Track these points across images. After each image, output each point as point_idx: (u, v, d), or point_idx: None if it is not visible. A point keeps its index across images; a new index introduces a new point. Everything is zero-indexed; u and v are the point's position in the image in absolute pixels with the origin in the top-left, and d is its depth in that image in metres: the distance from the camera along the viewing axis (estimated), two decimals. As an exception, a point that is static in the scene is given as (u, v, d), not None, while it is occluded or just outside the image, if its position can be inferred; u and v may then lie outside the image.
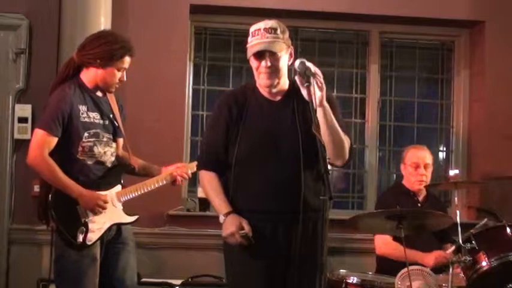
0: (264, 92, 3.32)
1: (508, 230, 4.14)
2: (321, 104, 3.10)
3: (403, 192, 4.87)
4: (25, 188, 5.36)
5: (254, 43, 3.24)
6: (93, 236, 3.64)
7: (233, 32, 5.80)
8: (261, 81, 3.28)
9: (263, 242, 3.20)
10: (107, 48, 3.67)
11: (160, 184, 3.87)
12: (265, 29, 3.23)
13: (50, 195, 3.64)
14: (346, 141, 3.24)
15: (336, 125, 3.18)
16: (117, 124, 3.82)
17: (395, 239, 4.54)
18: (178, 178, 3.88)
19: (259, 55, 3.23)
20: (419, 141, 5.85)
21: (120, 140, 3.87)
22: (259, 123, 3.27)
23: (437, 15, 5.82)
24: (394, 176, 5.97)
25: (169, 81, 5.53)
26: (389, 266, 4.52)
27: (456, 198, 4.39)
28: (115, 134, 3.82)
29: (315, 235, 3.20)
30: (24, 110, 5.39)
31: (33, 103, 5.39)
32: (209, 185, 3.32)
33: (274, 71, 3.24)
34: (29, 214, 5.28)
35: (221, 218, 3.25)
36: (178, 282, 4.85)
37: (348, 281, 4.15)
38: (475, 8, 5.84)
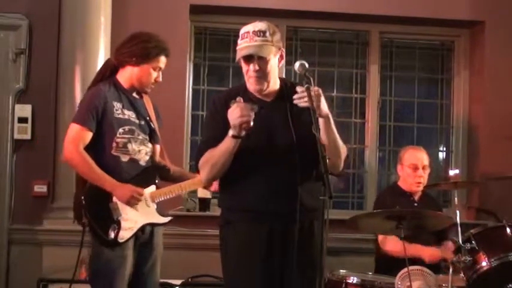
0: (255, 93, 3.30)
1: (508, 230, 4.14)
2: (322, 114, 3.10)
3: (399, 193, 4.87)
4: (25, 188, 5.37)
5: (242, 46, 3.22)
6: (125, 234, 3.64)
7: (233, 32, 5.77)
8: (250, 85, 3.27)
9: (259, 244, 3.18)
10: (142, 46, 3.75)
11: (193, 188, 3.88)
12: (254, 32, 3.20)
13: (83, 193, 3.65)
14: (343, 152, 3.26)
15: (337, 136, 3.17)
16: (153, 127, 3.84)
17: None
18: (213, 184, 3.83)
19: (248, 59, 3.21)
20: (419, 141, 5.86)
21: (158, 147, 3.91)
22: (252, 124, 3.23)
23: (437, 15, 5.82)
24: (394, 176, 5.97)
25: (169, 81, 5.50)
26: (388, 266, 4.53)
27: (456, 198, 4.39)
28: (151, 137, 3.84)
29: (312, 235, 3.19)
30: (24, 110, 5.39)
31: (33, 103, 5.40)
32: (213, 151, 3.19)
33: (262, 75, 3.22)
34: (29, 214, 5.31)
35: (230, 133, 3.12)
36: (178, 282, 4.85)
37: (348, 281, 4.15)
38: (475, 8, 5.84)
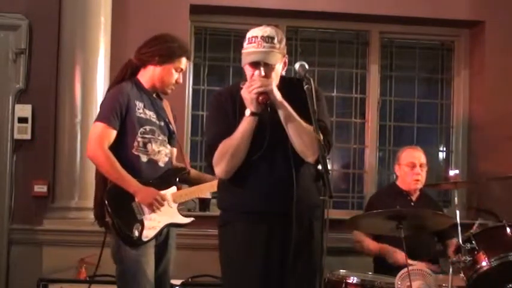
0: None
1: (508, 230, 4.14)
2: (274, 102, 3.10)
3: (396, 192, 4.89)
4: (25, 188, 5.37)
5: (250, 51, 3.18)
6: (148, 233, 3.64)
7: (233, 32, 5.80)
8: None
9: (258, 244, 3.16)
10: (165, 45, 3.76)
11: (212, 191, 3.90)
12: (263, 38, 3.16)
13: (105, 192, 3.65)
14: (314, 138, 3.09)
15: (296, 123, 3.11)
16: (172, 129, 3.85)
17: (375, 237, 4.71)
18: None
19: (254, 64, 3.17)
20: (419, 141, 5.86)
21: (174, 150, 3.90)
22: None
23: (437, 15, 5.82)
24: (394, 176, 5.96)
25: (169, 81, 5.52)
26: (386, 266, 4.54)
27: (456, 198, 4.39)
28: (170, 139, 3.84)
29: (312, 235, 3.18)
30: (24, 110, 5.39)
31: (33, 103, 5.40)
32: (228, 140, 3.13)
33: None
34: (29, 214, 5.31)
35: (247, 113, 3.12)
36: (178, 282, 4.85)
37: (348, 281, 4.15)
38: (475, 8, 5.84)
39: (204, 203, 5.43)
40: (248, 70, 3.21)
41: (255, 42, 3.18)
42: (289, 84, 3.22)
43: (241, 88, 3.17)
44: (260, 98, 3.08)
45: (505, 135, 5.74)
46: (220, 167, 3.17)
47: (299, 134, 3.11)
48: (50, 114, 5.33)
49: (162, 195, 3.69)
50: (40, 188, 5.36)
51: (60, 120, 5.24)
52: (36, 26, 5.44)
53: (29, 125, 5.37)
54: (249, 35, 3.22)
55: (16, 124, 5.37)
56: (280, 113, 3.12)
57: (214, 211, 5.38)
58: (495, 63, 5.84)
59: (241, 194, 3.20)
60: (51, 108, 5.33)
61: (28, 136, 5.38)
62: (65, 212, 5.17)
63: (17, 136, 5.39)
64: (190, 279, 4.98)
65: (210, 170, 3.29)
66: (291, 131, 3.12)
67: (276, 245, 3.17)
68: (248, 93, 3.09)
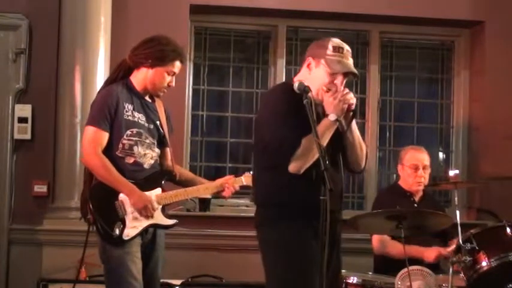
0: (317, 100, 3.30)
1: (508, 230, 4.14)
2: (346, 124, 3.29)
3: (400, 193, 4.87)
4: (25, 188, 5.37)
5: (347, 62, 3.33)
6: (130, 232, 3.64)
7: (233, 32, 5.79)
8: (324, 97, 3.31)
9: (313, 240, 3.19)
10: (159, 48, 3.74)
11: (197, 195, 3.90)
12: (348, 51, 3.36)
13: (89, 190, 3.67)
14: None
15: (358, 134, 3.35)
16: (162, 132, 3.84)
17: (393, 237, 4.58)
18: (228, 189, 3.84)
19: (346, 74, 3.32)
20: (419, 141, 5.86)
21: (167, 150, 3.90)
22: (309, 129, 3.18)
23: (437, 15, 5.82)
24: (394, 176, 5.97)
25: (169, 81, 5.51)
26: (386, 266, 4.53)
27: (456, 198, 4.39)
28: (160, 141, 3.84)
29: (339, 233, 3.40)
30: (24, 110, 5.39)
31: (33, 103, 5.40)
32: (311, 138, 3.13)
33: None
34: (29, 214, 5.31)
35: (333, 118, 3.24)
36: (178, 282, 4.85)
37: (348, 281, 4.16)
38: (475, 8, 5.84)
39: (204, 203, 5.43)
40: (339, 78, 3.33)
41: (342, 52, 3.35)
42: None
43: (309, 90, 3.19)
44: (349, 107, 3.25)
45: (505, 135, 5.74)
46: (300, 162, 3.20)
47: (360, 146, 3.37)
48: (50, 114, 5.33)
49: (154, 204, 3.69)
50: (40, 188, 5.36)
51: (60, 120, 5.25)
52: (36, 26, 5.44)
53: (29, 125, 5.37)
54: (332, 43, 3.38)
55: (16, 124, 5.38)
56: (353, 124, 3.30)
57: (214, 211, 5.41)
58: (495, 63, 5.84)
59: (302, 191, 3.23)
60: (51, 108, 5.33)
61: (28, 136, 5.38)
62: (65, 212, 5.17)
63: (17, 136, 5.39)
64: (190, 279, 4.98)
65: (269, 168, 3.29)
66: (355, 141, 3.33)
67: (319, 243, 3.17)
68: (344, 101, 3.23)
